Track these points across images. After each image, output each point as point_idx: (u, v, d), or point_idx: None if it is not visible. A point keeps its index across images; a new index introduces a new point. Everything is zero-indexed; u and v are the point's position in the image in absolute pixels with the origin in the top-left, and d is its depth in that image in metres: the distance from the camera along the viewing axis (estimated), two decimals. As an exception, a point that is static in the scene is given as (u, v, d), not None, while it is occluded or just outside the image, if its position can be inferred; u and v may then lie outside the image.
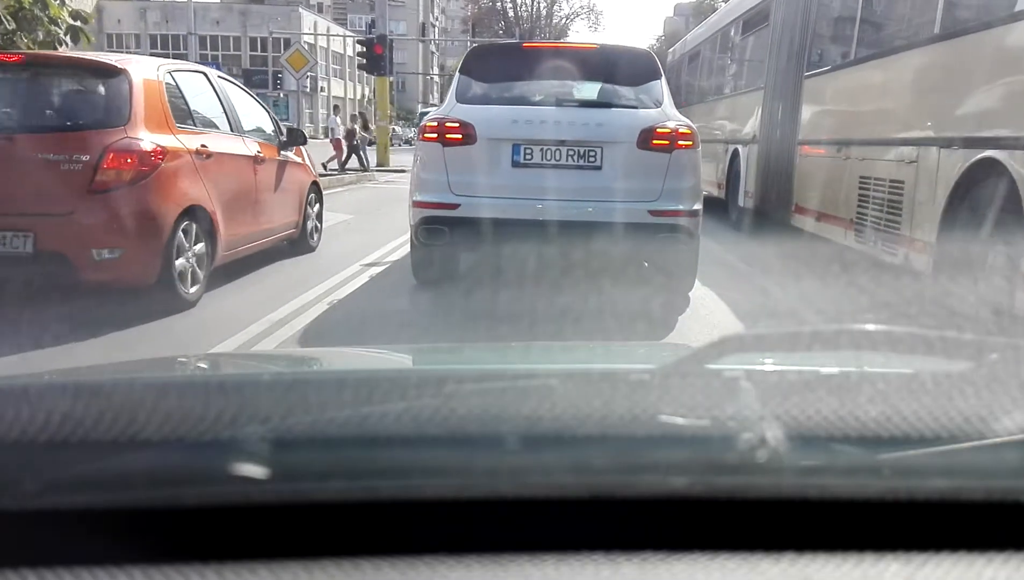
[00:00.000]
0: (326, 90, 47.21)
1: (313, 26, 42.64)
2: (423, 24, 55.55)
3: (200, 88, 5.56)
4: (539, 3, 51.60)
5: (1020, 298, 3.85)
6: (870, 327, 0.80)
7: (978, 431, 0.67)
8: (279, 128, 6.64)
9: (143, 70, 4.83)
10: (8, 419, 0.68)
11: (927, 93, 5.01)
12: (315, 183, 7.26)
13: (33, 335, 3.83)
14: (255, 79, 37.29)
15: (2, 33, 8.27)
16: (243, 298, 5.19)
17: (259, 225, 5.86)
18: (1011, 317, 3.87)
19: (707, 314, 4.81)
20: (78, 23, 8.99)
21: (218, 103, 5.68)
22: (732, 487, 0.66)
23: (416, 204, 4.89)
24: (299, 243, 6.84)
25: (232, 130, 5.71)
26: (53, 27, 8.72)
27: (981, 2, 4.64)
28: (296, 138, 6.69)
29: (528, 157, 4.75)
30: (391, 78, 21.16)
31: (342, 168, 18.58)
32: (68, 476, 0.65)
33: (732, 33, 10.70)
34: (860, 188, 5.78)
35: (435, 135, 4.85)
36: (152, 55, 38.07)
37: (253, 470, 0.63)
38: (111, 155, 4.32)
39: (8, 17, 8.27)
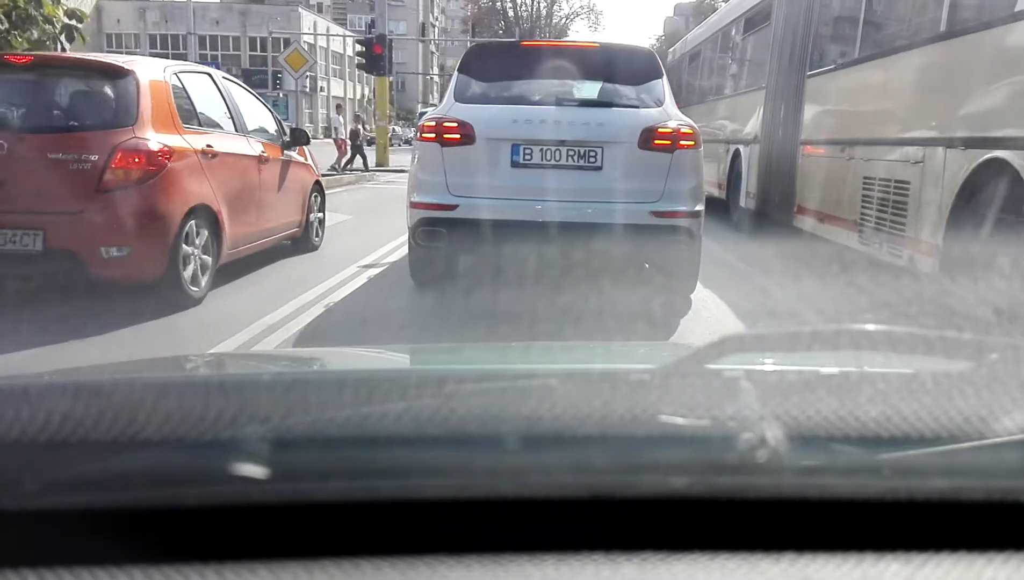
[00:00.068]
0: (326, 90, 47.22)
1: (313, 26, 42.64)
2: (423, 24, 55.54)
3: (205, 89, 5.65)
4: (539, 3, 51.66)
5: None
6: (870, 327, 0.80)
7: (978, 431, 0.67)
8: (282, 128, 6.72)
9: (150, 71, 4.92)
10: (8, 419, 0.68)
11: (933, 92, 4.92)
12: (318, 183, 7.35)
13: (39, 332, 3.91)
14: (254, 79, 37.25)
15: None
16: (247, 296, 5.26)
17: (263, 224, 5.95)
18: (1018, 319, 3.83)
19: (708, 315, 4.79)
20: (73, 22, 8.96)
21: (223, 103, 5.76)
22: (732, 487, 0.66)
23: (414, 205, 4.82)
24: (302, 242, 6.93)
25: (236, 130, 5.79)
26: (48, 26, 8.70)
27: (987, 0, 4.56)
28: (299, 138, 6.78)
29: (528, 157, 4.68)
30: (391, 78, 21.18)
31: (344, 168, 18.61)
32: (68, 476, 0.65)
33: (733, 32, 10.63)
34: (864, 189, 5.70)
35: (433, 135, 4.78)
36: (151, 55, 38.06)
37: (253, 470, 0.63)
38: (119, 155, 4.41)
39: (1, 16, 8.24)
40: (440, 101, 5.75)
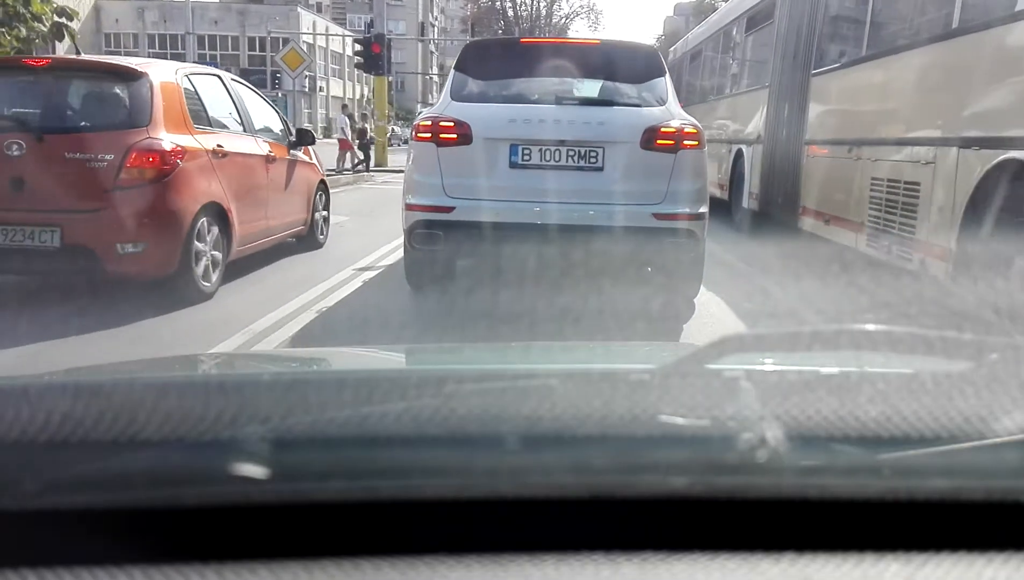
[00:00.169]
0: (325, 90, 47.20)
1: (312, 26, 42.61)
2: (422, 24, 55.53)
3: (215, 90, 5.81)
4: (538, 3, 51.65)
5: None
6: (870, 327, 0.80)
7: (978, 431, 0.67)
8: (288, 128, 6.87)
9: (162, 73, 5.09)
10: (8, 419, 0.68)
11: (945, 91, 4.76)
12: (322, 182, 7.54)
13: (57, 324, 4.11)
14: (253, 79, 37.09)
15: None
16: (256, 291, 5.37)
17: (270, 222, 6.11)
18: (1020, 319, 3.78)
19: (709, 316, 4.77)
20: (63, 20, 8.91)
21: (232, 104, 5.92)
22: (732, 487, 0.66)
23: (409, 207, 4.71)
24: (307, 240, 7.08)
25: (245, 130, 5.96)
26: (36, 24, 8.66)
27: None
28: (305, 138, 6.93)
29: (526, 158, 4.56)
30: (390, 78, 21.17)
31: (355, 168, 18.73)
32: (68, 476, 0.65)
33: (735, 31, 10.54)
34: (872, 190, 5.56)
35: (429, 135, 4.66)
36: (150, 55, 38.04)
37: (253, 470, 0.63)
38: (134, 154, 4.57)
39: None
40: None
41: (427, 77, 63.07)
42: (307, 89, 42.04)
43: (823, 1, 7.22)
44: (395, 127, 32.43)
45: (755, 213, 8.68)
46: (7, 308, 4.79)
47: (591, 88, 5.23)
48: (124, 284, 4.76)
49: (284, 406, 0.77)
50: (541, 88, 5.05)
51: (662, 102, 4.81)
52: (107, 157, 4.52)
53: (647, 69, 5.02)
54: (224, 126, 5.66)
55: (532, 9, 51.45)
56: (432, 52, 66.83)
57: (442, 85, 5.37)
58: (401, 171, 5.09)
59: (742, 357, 0.91)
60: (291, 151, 6.63)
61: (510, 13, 51.02)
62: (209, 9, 43.97)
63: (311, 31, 41.25)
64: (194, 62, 19.06)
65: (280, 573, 0.59)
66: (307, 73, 36.58)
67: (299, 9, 44.88)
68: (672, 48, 16.61)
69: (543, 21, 51.35)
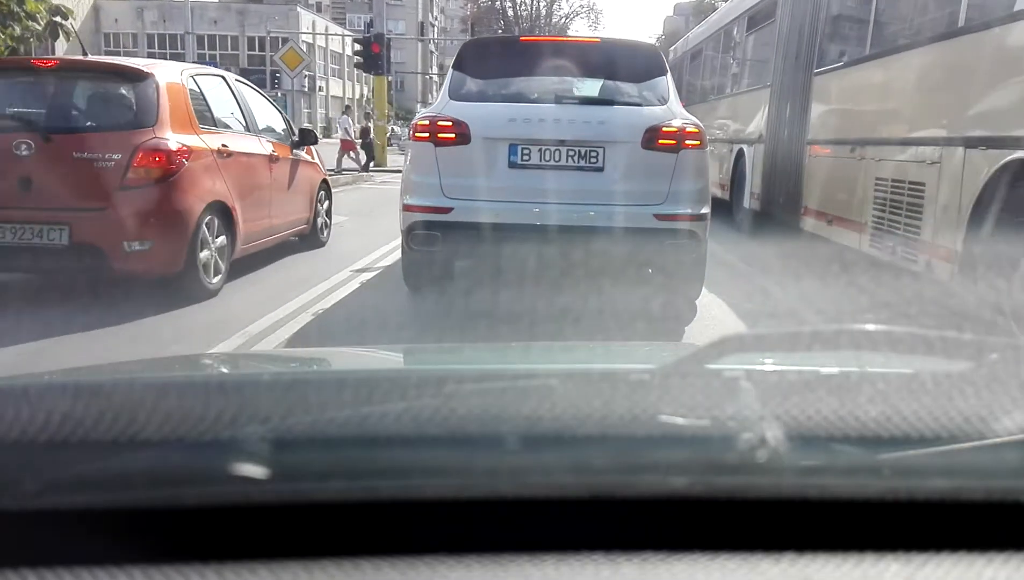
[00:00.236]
0: (324, 89, 47.18)
1: (311, 25, 42.59)
2: (422, 23, 55.52)
3: (219, 91, 5.90)
4: (538, 2, 51.65)
5: None
6: (870, 327, 0.80)
7: (978, 431, 0.67)
8: (291, 128, 6.95)
9: (168, 74, 5.18)
10: (8, 419, 0.68)
11: (950, 90, 4.70)
12: (325, 181, 7.64)
13: (62, 321, 4.18)
14: (253, 79, 36.95)
15: None
16: (255, 291, 5.42)
17: (274, 220, 6.23)
18: (1020, 319, 3.75)
19: (709, 316, 4.75)
20: (58, 19, 8.89)
21: (236, 105, 6.01)
22: (732, 487, 0.66)
23: (407, 208, 4.65)
24: (310, 238, 7.18)
25: (249, 130, 6.03)
26: (30, 22, 8.63)
27: None
28: (307, 138, 7.01)
29: (526, 158, 4.50)
30: (390, 77, 21.17)
31: (364, 168, 18.81)
32: (68, 476, 0.65)
33: (736, 30, 10.50)
34: (876, 190, 5.48)
35: (426, 134, 4.59)
36: (149, 55, 37.98)
37: (253, 470, 0.63)
38: (141, 154, 4.66)
39: None
40: (438, 100, 5.63)
41: (427, 77, 63.05)
42: (307, 89, 42.02)
43: (825, 0, 7.17)
44: (395, 127, 32.39)
45: (756, 213, 8.63)
46: (11, 306, 4.86)
47: (591, 87, 5.17)
48: (126, 282, 4.82)
49: (284, 406, 0.77)
50: (541, 87, 4.99)
51: (663, 101, 4.75)
52: (114, 157, 4.60)
53: (648, 68, 4.95)
54: (228, 126, 5.74)
55: (532, 9, 51.49)
56: (432, 52, 66.82)
57: (442, 85, 5.32)
58: (400, 171, 5.06)
59: (742, 357, 0.91)
60: (294, 151, 6.71)
61: (510, 13, 51.04)
62: (208, 9, 43.94)
63: (311, 31, 41.22)
64: (193, 62, 19.06)
65: (280, 573, 0.59)
66: (306, 73, 36.56)
67: (299, 9, 44.85)
68: (672, 48, 16.58)
69: (543, 21, 51.35)
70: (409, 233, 4.65)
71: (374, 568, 0.60)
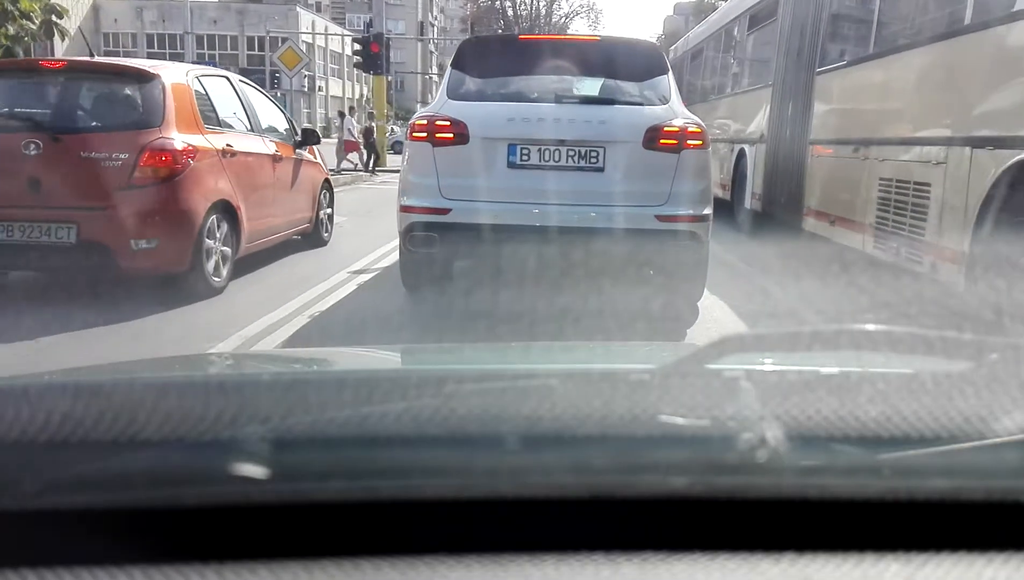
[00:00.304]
0: (324, 89, 47.14)
1: (311, 25, 42.56)
2: (422, 23, 55.49)
3: (224, 91, 5.99)
4: (538, 2, 51.66)
5: None
6: (870, 327, 0.80)
7: (978, 431, 0.67)
8: (294, 128, 7.04)
9: (174, 75, 5.27)
10: (8, 419, 0.68)
11: (956, 89, 4.60)
12: (327, 181, 7.74)
13: (70, 317, 4.25)
14: (252, 79, 36.88)
15: None
16: (255, 291, 5.49)
17: (277, 219, 6.31)
18: (1019, 319, 3.72)
19: (710, 316, 4.73)
20: (52, 17, 8.87)
21: (240, 105, 6.10)
22: (732, 487, 0.66)
23: (404, 209, 4.58)
24: (312, 237, 7.32)
25: (253, 130, 6.12)
26: (25, 21, 8.62)
27: None
28: (310, 138, 7.10)
29: (525, 158, 4.43)
30: (389, 77, 21.17)
31: (367, 168, 18.79)
32: (68, 476, 0.65)
33: (738, 29, 10.44)
34: (880, 191, 5.39)
35: (424, 134, 4.52)
36: (148, 55, 37.88)
37: (253, 470, 0.63)
38: (147, 154, 4.74)
39: None
40: (437, 100, 5.59)
41: (427, 77, 63.02)
42: (306, 89, 41.97)
43: None
44: (395, 127, 32.36)
45: (758, 214, 8.57)
46: (15, 303, 4.95)
47: (592, 86, 5.11)
48: (129, 280, 4.89)
49: (284, 406, 0.76)
50: (540, 86, 4.92)
51: (665, 100, 4.68)
52: (121, 156, 4.68)
53: (649, 66, 4.87)
54: (233, 126, 5.82)
55: (532, 9, 51.51)
56: (432, 52, 66.79)
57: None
58: (399, 171, 5.05)
59: (742, 357, 0.91)
60: (296, 150, 6.80)
61: (509, 13, 51.05)
62: (208, 9, 43.89)
63: (310, 30, 41.19)
64: (193, 62, 19.06)
65: (280, 573, 0.59)
66: (306, 73, 36.50)
67: (298, 8, 44.81)
68: (673, 47, 16.54)
69: (543, 20, 51.35)
70: (407, 234, 4.58)
71: (374, 568, 0.60)
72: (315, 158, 7.33)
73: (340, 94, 48.98)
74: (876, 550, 0.62)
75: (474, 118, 4.51)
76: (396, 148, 22.51)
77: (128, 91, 5.10)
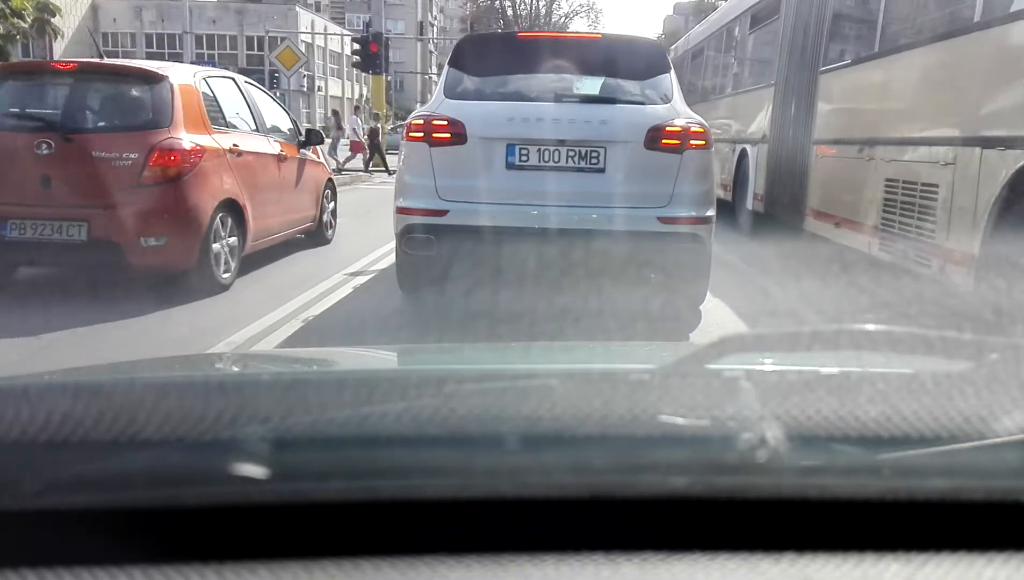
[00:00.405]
0: (323, 89, 47.12)
1: (310, 25, 42.53)
2: (421, 23, 55.54)
3: (230, 92, 6.11)
4: (538, 1, 51.66)
5: None
6: (870, 327, 0.80)
7: (978, 431, 0.67)
8: (297, 128, 7.18)
9: (181, 76, 5.40)
10: (8, 419, 0.68)
11: (965, 88, 4.49)
12: (330, 180, 7.88)
13: (83, 311, 4.41)
14: (251, 78, 37.05)
15: None
16: (258, 290, 5.56)
17: (282, 218, 6.44)
18: (1019, 319, 3.69)
19: (710, 316, 4.72)
20: (45, 16, 8.87)
21: (245, 106, 6.21)
22: (732, 487, 0.66)
23: (400, 210, 4.48)
24: (316, 236, 7.48)
25: (258, 130, 6.24)
26: (16, 19, 8.62)
27: None
28: (313, 138, 7.26)
29: (524, 158, 4.34)
30: (389, 77, 21.18)
31: (366, 168, 18.78)
32: (68, 476, 0.65)
33: (739, 28, 10.37)
34: (886, 192, 5.28)
35: (421, 134, 4.42)
36: (147, 55, 37.80)
37: (253, 470, 0.63)
38: (156, 153, 4.86)
39: None
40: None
41: (426, 76, 63.01)
42: (305, 89, 41.97)
43: None
44: (397, 126, 32.38)
45: (759, 215, 8.50)
46: (23, 300, 5.05)
47: (592, 85, 5.02)
48: (137, 277, 5.00)
49: (284, 406, 0.76)
50: (540, 85, 4.82)
51: (667, 100, 4.59)
52: (131, 156, 4.80)
53: (651, 65, 4.78)
54: (239, 127, 5.93)
55: (531, 8, 51.51)
56: (431, 52, 66.79)
57: (439, 83, 5.24)
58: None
59: (742, 357, 0.91)
60: (300, 150, 6.92)
61: (509, 12, 51.05)
62: (207, 8, 43.85)
63: (309, 30, 41.18)
64: (192, 62, 19.05)
65: (280, 573, 0.59)
66: (305, 72, 36.46)
67: (297, 8, 44.77)
68: (673, 47, 16.51)
69: (542, 20, 51.34)
70: (403, 237, 4.50)
71: (374, 568, 0.60)
72: (319, 158, 7.49)
73: (339, 94, 48.96)
74: (876, 550, 0.62)
75: (472, 117, 4.42)
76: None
77: (137, 92, 5.21)
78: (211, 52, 41.30)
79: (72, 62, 5.54)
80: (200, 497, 0.65)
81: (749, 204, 8.87)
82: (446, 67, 4.94)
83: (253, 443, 0.67)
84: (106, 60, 5.84)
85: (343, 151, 19.85)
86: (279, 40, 22.88)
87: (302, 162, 6.88)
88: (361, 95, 51.28)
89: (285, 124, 6.97)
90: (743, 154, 9.28)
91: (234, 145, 5.52)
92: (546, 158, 4.37)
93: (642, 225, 4.31)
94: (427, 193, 4.40)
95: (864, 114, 6.23)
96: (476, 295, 4.94)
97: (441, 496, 0.65)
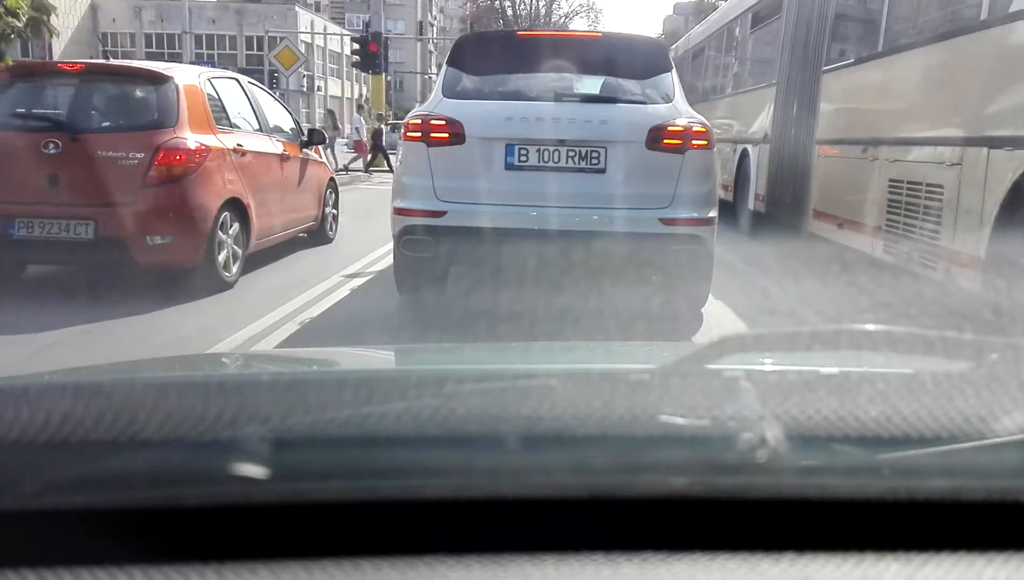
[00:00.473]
0: (323, 89, 47.12)
1: (310, 24, 42.53)
2: (421, 23, 55.54)
3: (233, 92, 6.20)
4: (538, 1, 51.66)
5: None
6: (870, 327, 0.80)
7: (978, 431, 0.67)
8: (300, 129, 7.28)
9: (186, 77, 5.48)
10: (8, 419, 0.68)
11: (972, 87, 4.41)
12: (332, 180, 7.98)
13: (91, 308, 4.47)
14: (251, 78, 37.03)
15: None
16: (271, 284, 5.68)
17: (285, 217, 6.54)
18: (1019, 319, 3.67)
19: (710, 316, 4.71)
20: (39, 14, 8.85)
21: (249, 106, 6.30)
22: (732, 487, 0.66)
23: (397, 211, 4.42)
24: (318, 234, 7.54)
25: (261, 130, 6.32)
26: (11, 19, 8.61)
27: None
28: (315, 138, 7.36)
29: (523, 159, 4.29)
30: (388, 77, 21.19)
31: (366, 168, 18.77)
32: (68, 476, 0.65)
33: (740, 27, 10.31)
34: (891, 193, 5.20)
35: (418, 134, 4.36)
36: (147, 55, 37.80)
37: (253, 470, 0.63)
38: (162, 153, 4.94)
39: None
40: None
41: (426, 76, 62.98)
42: (305, 88, 41.97)
43: None
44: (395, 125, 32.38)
45: (761, 215, 8.45)
46: (28, 298, 5.10)
47: (592, 84, 4.97)
48: (143, 275, 5.09)
49: (284, 406, 0.76)
50: (539, 84, 4.76)
51: (668, 99, 4.52)
52: (137, 155, 4.88)
53: (652, 64, 4.71)
54: (242, 127, 6.01)
55: (531, 8, 51.50)
56: (431, 51, 66.77)
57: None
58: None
59: (742, 357, 0.91)
60: (303, 150, 7.00)
61: (509, 12, 51.05)
62: (206, 8, 43.81)
63: (309, 30, 41.17)
64: (191, 62, 19.05)
65: (280, 573, 0.59)
66: (305, 72, 36.45)
67: (297, 8, 44.74)
68: (673, 46, 16.48)
69: (542, 20, 51.33)
70: (401, 238, 4.44)
71: (374, 568, 0.60)
72: (321, 158, 7.60)
73: (339, 94, 48.96)
74: (876, 550, 0.62)
75: (470, 117, 4.36)
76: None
77: (143, 93, 5.28)
78: (210, 52, 41.26)
79: (79, 63, 5.63)
80: (200, 497, 0.65)
81: (750, 204, 8.82)
82: (444, 66, 4.88)
83: (253, 443, 0.67)
84: (112, 61, 5.87)
85: (340, 151, 19.84)
86: (278, 40, 22.89)
87: (304, 162, 6.96)
88: (361, 95, 51.29)
89: (288, 124, 7.06)
90: (744, 154, 9.23)
91: (238, 145, 5.59)
92: (546, 158, 4.31)
93: (643, 226, 4.26)
94: (425, 194, 4.33)
95: (867, 114, 6.16)
96: (476, 295, 4.93)
97: (441, 496, 0.65)
